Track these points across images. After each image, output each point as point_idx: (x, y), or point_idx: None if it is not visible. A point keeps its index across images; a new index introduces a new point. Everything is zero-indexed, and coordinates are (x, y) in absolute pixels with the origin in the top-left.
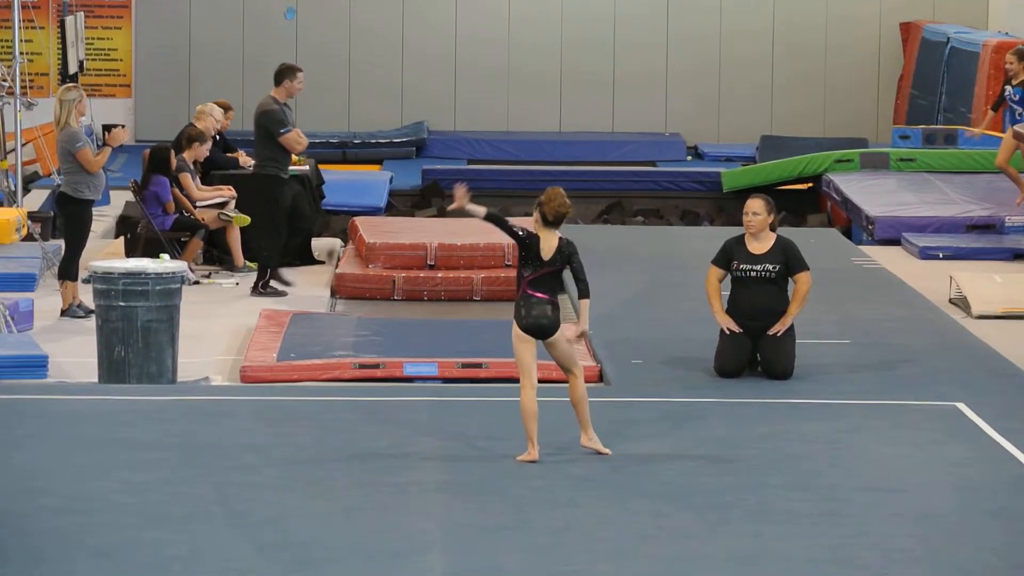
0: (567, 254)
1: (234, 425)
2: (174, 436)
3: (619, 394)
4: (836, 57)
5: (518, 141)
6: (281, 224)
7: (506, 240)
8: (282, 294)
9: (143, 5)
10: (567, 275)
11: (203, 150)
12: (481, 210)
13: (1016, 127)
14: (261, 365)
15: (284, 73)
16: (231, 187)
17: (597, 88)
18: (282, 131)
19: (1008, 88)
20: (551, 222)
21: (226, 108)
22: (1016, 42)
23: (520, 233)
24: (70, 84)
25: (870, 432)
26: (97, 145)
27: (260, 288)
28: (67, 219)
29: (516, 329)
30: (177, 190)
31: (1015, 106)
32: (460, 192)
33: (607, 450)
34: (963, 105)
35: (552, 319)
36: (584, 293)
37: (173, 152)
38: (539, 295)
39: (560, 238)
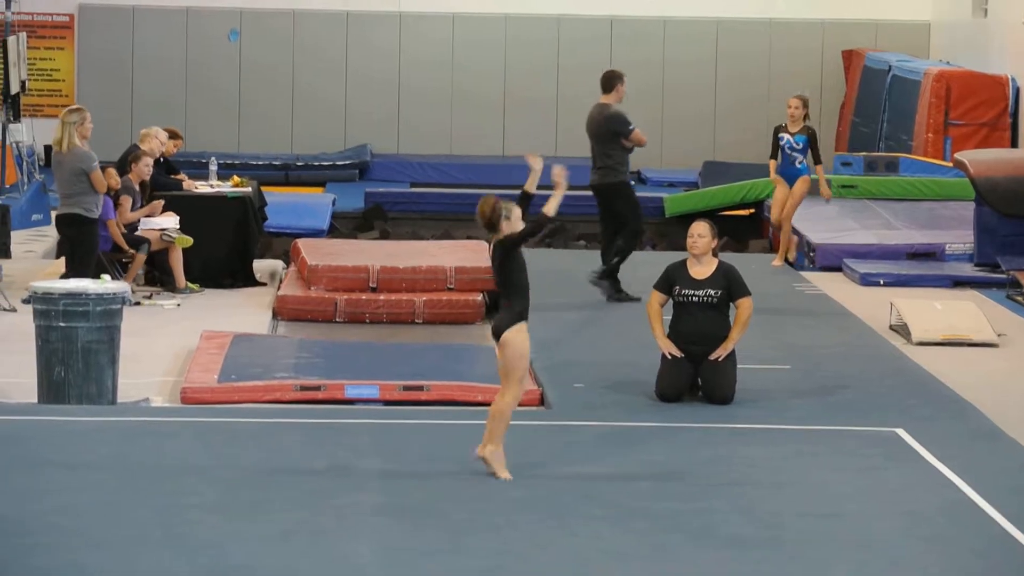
0: (503, 247)
1: (174, 447)
2: (113, 457)
3: (560, 417)
4: (778, 84)
5: (461, 164)
6: (638, 224)
7: (448, 263)
8: (636, 299)
9: (85, 26)
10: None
11: (146, 169)
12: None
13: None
14: (202, 386)
15: (615, 79)
16: (163, 203)
17: (540, 111)
18: (630, 128)
19: (786, 136)
20: (486, 227)
21: (174, 135)
22: (958, 71)
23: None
24: (73, 106)
25: (810, 457)
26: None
27: (611, 286)
28: (80, 238)
29: None
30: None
31: (796, 154)
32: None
33: (505, 473)
34: (904, 133)
35: (498, 323)
36: (532, 227)
37: (116, 173)
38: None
39: (498, 238)
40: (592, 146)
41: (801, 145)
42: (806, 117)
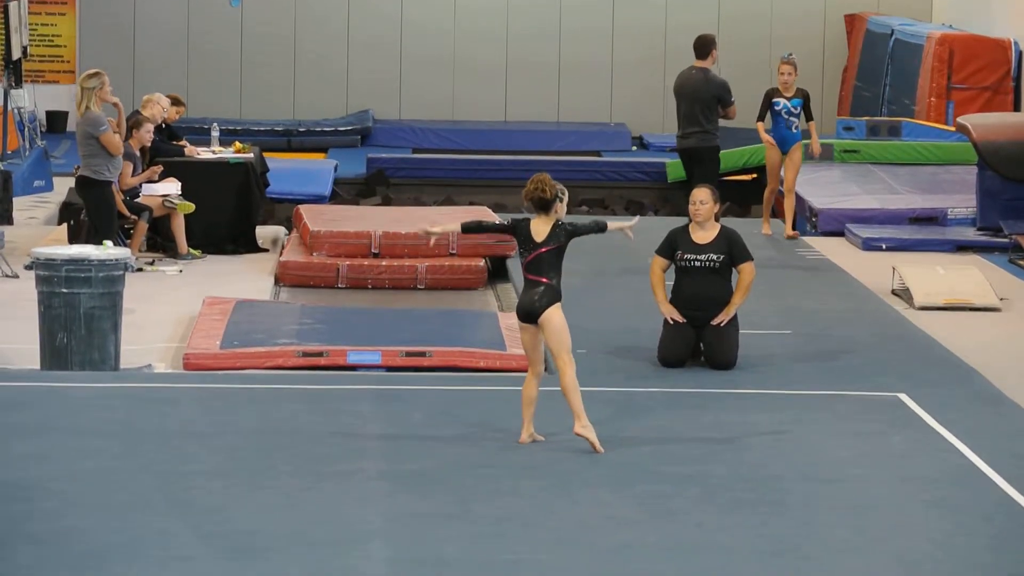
0: (566, 231)
1: (176, 413)
2: (116, 423)
3: None
4: (780, 48)
5: (463, 130)
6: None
7: (450, 228)
8: None
9: None
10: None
11: (147, 135)
12: (453, 226)
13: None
14: (204, 353)
15: (709, 44)
16: (161, 168)
17: (543, 77)
18: (732, 99)
19: (782, 101)
20: (534, 207)
21: (177, 102)
22: (961, 35)
23: (506, 223)
24: (92, 70)
25: (812, 423)
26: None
27: None
28: (93, 201)
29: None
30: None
31: (792, 119)
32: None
33: (599, 447)
34: (907, 97)
35: (539, 303)
36: (602, 227)
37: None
38: (532, 277)
39: (556, 220)
40: (683, 108)
41: (798, 109)
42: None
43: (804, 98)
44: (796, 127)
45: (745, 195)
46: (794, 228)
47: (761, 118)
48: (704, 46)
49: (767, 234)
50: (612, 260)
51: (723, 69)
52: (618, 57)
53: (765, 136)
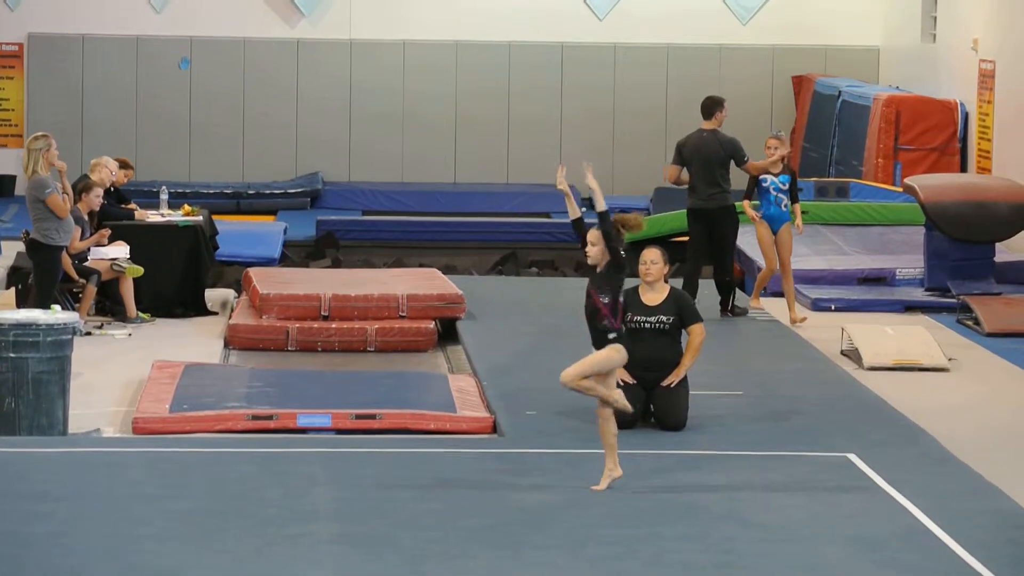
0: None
1: (126, 477)
2: (65, 488)
3: (513, 445)
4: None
5: (413, 192)
6: (733, 250)
7: (400, 291)
8: (745, 312)
9: (35, 55)
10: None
11: (96, 200)
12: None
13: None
14: (153, 416)
15: (715, 105)
16: (109, 232)
17: (491, 138)
18: (746, 157)
19: (769, 178)
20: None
21: (125, 165)
22: (907, 96)
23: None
24: (39, 133)
25: (763, 483)
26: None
27: (731, 310)
28: (38, 265)
29: None
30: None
31: (782, 196)
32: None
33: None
34: (854, 158)
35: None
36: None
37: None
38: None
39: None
40: (696, 171)
41: (786, 185)
42: (784, 156)
43: (792, 175)
44: (785, 204)
45: None
46: (745, 290)
47: (748, 196)
48: (710, 107)
49: (796, 320)
50: (562, 320)
51: (669, 131)
52: (567, 116)
53: (752, 213)
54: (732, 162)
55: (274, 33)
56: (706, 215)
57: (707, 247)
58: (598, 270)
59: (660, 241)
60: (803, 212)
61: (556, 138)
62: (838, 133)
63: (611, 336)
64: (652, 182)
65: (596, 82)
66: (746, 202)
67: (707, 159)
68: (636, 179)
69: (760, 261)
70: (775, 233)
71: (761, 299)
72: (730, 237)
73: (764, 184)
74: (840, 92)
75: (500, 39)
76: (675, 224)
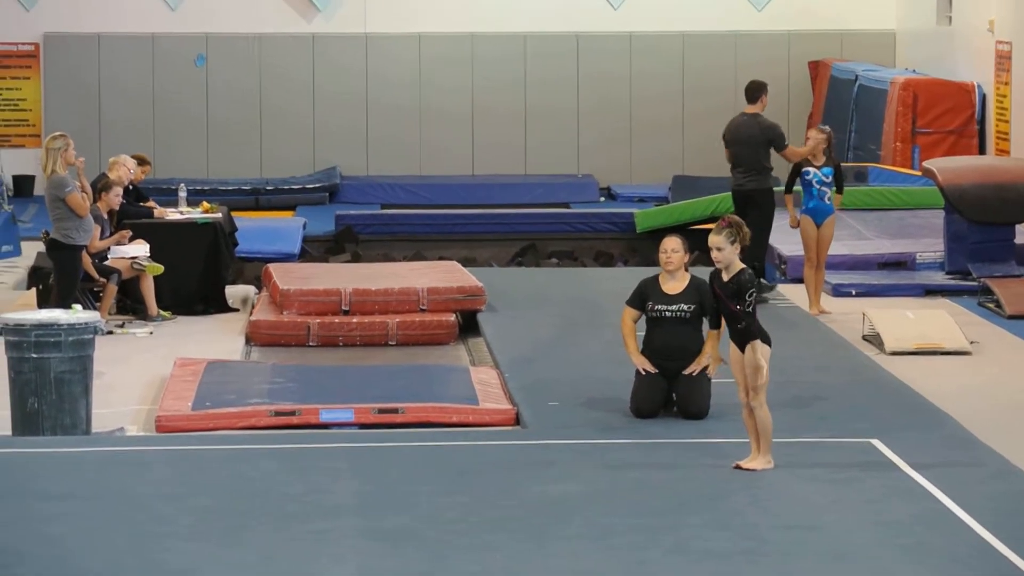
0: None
1: (149, 475)
2: (88, 487)
3: (536, 436)
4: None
5: (431, 185)
6: (768, 233)
7: (420, 285)
8: (771, 288)
9: (51, 54)
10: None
11: (115, 199)
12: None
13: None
14: (176, 414)
15: (759, 90)
16: (130, 233)
17: (509, 129)
18: (786, 143)
19: (812, 170)
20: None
21: (142, 161)
22: (924, 79)
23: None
24: (56, 133)
25: (786, 470)
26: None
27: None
28: (58, 264)
29: None
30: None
31: (825, 188)
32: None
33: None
34: (872, 142)
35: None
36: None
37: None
38: None
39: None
40: (736, 153)
41: (829, 178)
42: (828, 149)
43: (836, 167)
44: (828, 198)
45: None
46: (766, 278)
47: (789, 190)
48: (754, 91)
49: (823, 312)
50: (583, 311)
51: (686, 119)
52: (584, 106)
53: (792, 214)
54: (772, 147)
55: (289, 28)
56: (742, 196)
57: None
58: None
59: (678, 230)
60: None
61: (574, 128)
62: (855, 118)
63: (740, 325)
64: (670, 170)
65: (612, 71)
66: (788, 197)
67: (745, 142)
68: (654, 168)
69: (779, 249)
70: (818, 227)
71: (783, 285)
72: (762, 219)
73: (807, 177)
74: (857, 76)
75: (515, 30)
76: (693, 213)
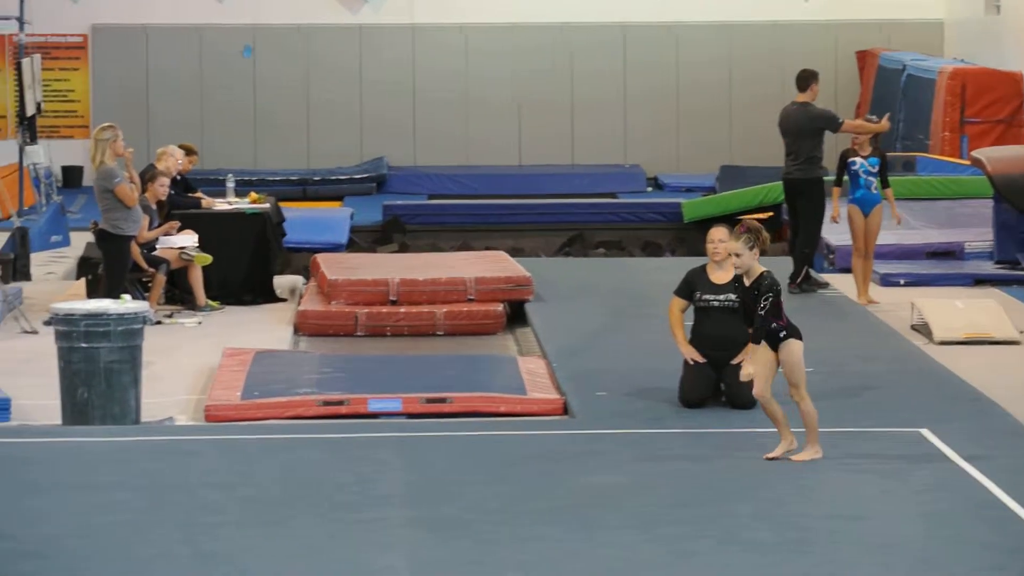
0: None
1: (198, 464)
2: (138, 477)
3: (584, 426)
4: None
5: (478, 175)
6: (819, 223)
7: (468, 275)
8: (824, 285)
9: (99, 46)
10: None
11: (162, 189)
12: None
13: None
14: (225, 404)
15: (810, 78)
16: (179, 223)
17: (555, 119)
18: (840, 121)
19: (858, 160)
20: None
21: (189, 151)
22: (972, 69)
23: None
24: (105, 124)
25: (834, 460)
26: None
27: (799, 284)
28: (107, 255)
29: None
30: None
31: (871, 179)
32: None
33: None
34: (920, 132)
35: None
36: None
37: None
38: None
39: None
40: (787, 142)
41: (876, 168)
42: (875, 139)
43: (881, 158)
44: (875, 187)
45: None
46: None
47: (838, 182)
48: (804, 80)
49: (871, 302)
50: (631, 301)
51: (733, 109)
52: (631, 95)
53: (836, 208)
54: (827, 132)
55: (336, 19)
56: (791, 185)
57: (796, 219)
58: (747, 283)
59: (726, 219)
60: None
61: (621, 118)
62: (904, 107)
63: (782, 335)
64: (717, 160)
65: (659, 61)
66: (836, 189)
67: (793, 131)
68: (701, 157)
69: (827, 239)
70: (866, 216)
71: (831, 275)
72: (811, 209)
73: (853, 167)
74: (904, 66)
75: (561, 20)
76: (740, 202)
